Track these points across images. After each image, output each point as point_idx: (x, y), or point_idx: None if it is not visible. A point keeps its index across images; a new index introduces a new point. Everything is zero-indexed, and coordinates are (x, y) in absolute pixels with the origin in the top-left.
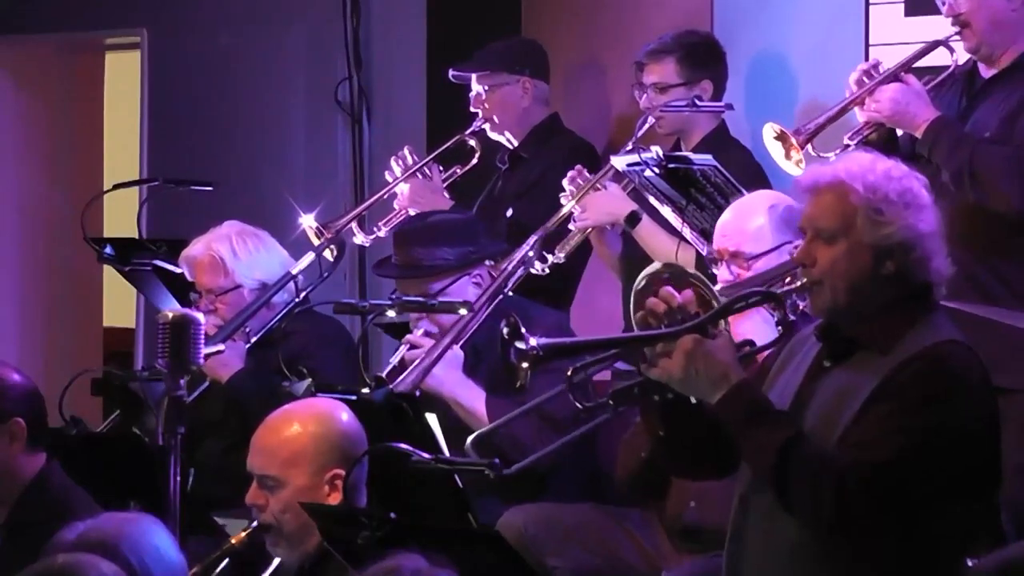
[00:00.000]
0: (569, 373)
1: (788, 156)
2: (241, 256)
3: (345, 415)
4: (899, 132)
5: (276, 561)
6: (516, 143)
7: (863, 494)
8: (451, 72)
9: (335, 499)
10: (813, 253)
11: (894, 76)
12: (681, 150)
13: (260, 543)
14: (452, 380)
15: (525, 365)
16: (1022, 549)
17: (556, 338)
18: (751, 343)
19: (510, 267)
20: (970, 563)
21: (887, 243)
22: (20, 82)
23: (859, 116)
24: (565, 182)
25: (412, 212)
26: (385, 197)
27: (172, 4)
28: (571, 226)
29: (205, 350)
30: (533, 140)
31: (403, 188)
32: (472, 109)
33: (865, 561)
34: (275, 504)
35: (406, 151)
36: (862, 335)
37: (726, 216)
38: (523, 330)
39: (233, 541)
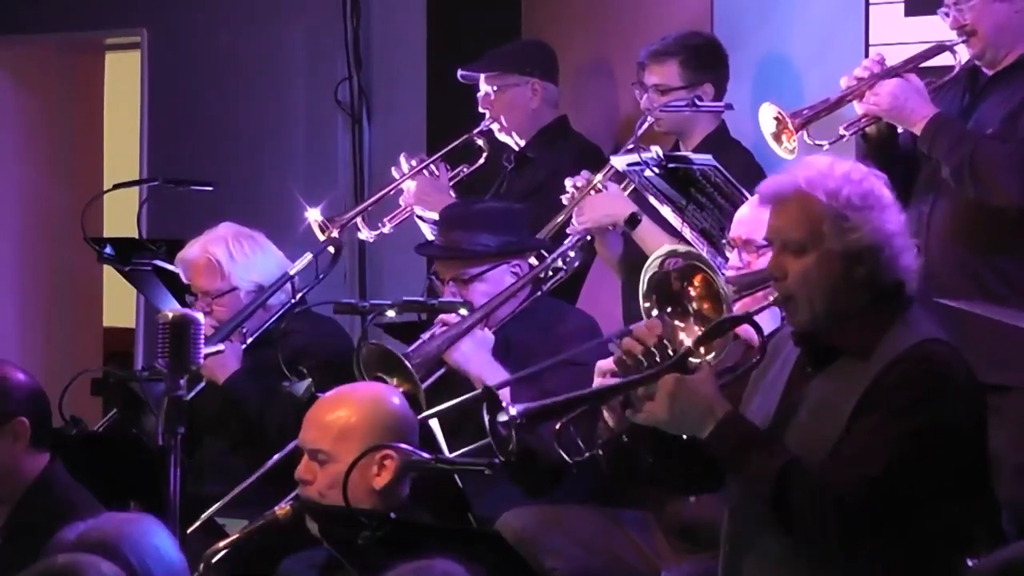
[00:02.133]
0: (557, 428)
1: (779, 139)
2: (237, 258)
3: (397, 399)
4: (899, 129)
5: None
6: (523, 144)
7: (865, 510)
8: (460, 72)
9: (383, 479)
10: (783, 266)
11: (895, 73)
12: (680, 151)
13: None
14: (480, 360)
15: (511, 433)
16: (1022, 549)
17: (533, 403)
18: (731, 370)
19: (549, 261)
20: (970, 563)
21: (856, 247)
22: (20, 82)
23: (857, 109)
24: (568, 183)
25: (417, 210)
26: (391, 194)
27: (172, 4)
28: (569, 229)
29: (205, 350)
30: (540, 141)
31: (409, 185)
32: (480, 109)
33: (860, 564)
34: (323, 479)
35: (414, 159)
36: (840, 342)
37: (744, 208)
38: (502, 402)
39: (277, 513)
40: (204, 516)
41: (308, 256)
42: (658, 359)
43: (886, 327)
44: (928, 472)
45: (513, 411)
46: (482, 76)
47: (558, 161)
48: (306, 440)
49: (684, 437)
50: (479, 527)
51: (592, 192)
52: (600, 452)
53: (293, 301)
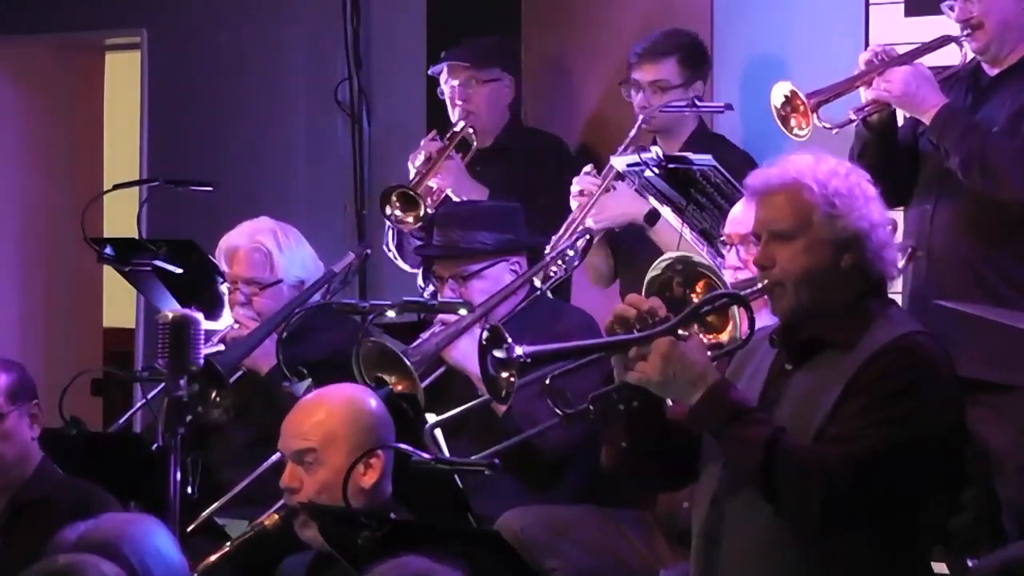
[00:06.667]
0: (548, 381)
1: (787, 121)
2: (284, 250)
3: (373, 400)
4: (900, 120)
5: None
6: (485, 138)
7: (850, 487)
8: (447, 61)
9: (370, 479)
10: (771, 255)
11: (903, 61)
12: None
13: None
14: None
15: (506, 374)
16: (1022, 549)
17: (538, 346)
18: (719, 345)
19: (548, 258)
20: (970, 563)
21: (844, 235)
22: (20, 82)
23: (864, 95)
24: (574, 185)
25: (451, 193)
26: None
27: (172, 4)
28: (583, 228)
29: (205, 350)
30: (508, 135)
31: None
32: (457, 100)
33: (841, 559)
34: (311, 485)
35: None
36: (824, 333)
37: (739, 205)
38: (508, 338)
39: (266, 523)
40: (202, 516)
41: (351, 256)
42: (651, 323)
43: (870, 321)
44: (912, 461)
45: (519, 350)
46: (466, 67)
47: (524, 153)
48: (290, 445)
49: (664, 420)
50: (479, 527)
51: (606, 191)
52: (591, 407)
53: (322, 301)
